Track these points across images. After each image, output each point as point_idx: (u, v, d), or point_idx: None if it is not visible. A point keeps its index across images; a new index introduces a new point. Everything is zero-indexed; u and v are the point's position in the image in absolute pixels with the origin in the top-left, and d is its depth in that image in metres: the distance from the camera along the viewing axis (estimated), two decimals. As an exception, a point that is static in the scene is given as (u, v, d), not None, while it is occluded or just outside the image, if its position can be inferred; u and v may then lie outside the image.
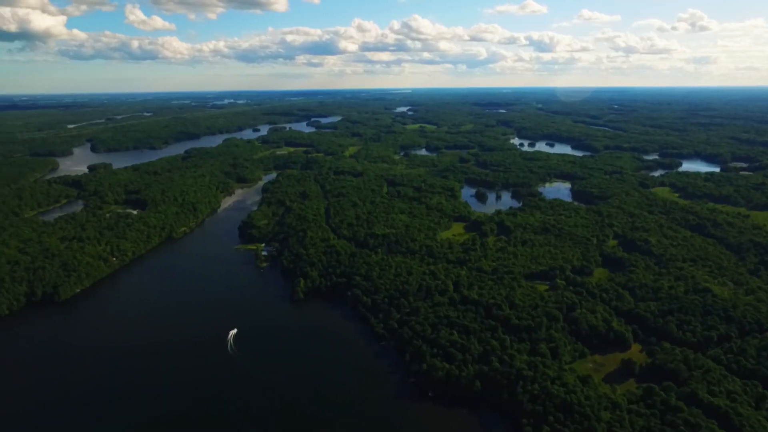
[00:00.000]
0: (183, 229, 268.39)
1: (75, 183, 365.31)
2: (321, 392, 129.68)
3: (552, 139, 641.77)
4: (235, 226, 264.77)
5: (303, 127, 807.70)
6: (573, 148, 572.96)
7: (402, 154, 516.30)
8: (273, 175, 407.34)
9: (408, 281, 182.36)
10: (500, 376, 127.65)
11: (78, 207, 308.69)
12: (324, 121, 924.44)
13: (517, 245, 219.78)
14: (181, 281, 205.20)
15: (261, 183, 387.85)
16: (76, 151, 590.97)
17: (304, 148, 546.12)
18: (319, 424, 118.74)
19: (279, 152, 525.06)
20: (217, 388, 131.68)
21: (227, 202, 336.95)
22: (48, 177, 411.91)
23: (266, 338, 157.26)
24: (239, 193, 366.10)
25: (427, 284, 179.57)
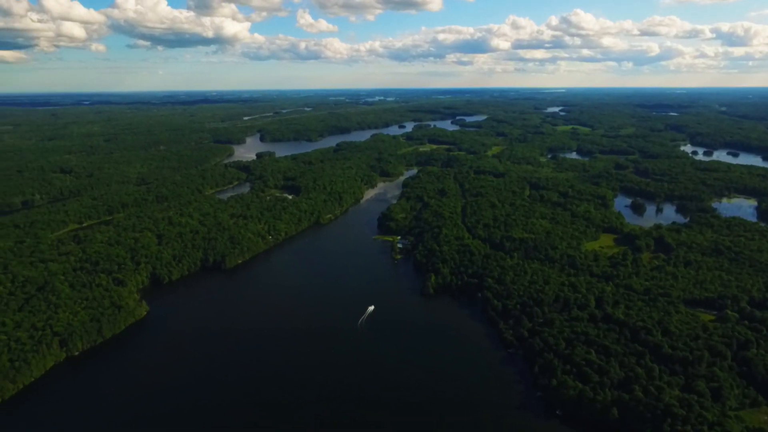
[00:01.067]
0: (329, 216, 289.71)
1: (245, 168, 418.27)
2: (440, 388, 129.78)
3: (736, 147, 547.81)
4: (374, 217, 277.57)
5: (447, 125, 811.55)
6: (765, 159, 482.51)
7: (549, 156, 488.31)
8: (414, 171, 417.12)
9: (544, 290, 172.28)
10: (643, 407, 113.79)
11: (245, 189, 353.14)
12: (469, 119, 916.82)
13: (679, 265, 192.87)
14: (323, 263, 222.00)
15: (402, 178, 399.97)
16: (249, 140, 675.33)
17: (447, 146, 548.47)
18: (435, 421, 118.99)
19: (422, 149, 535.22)
20: (341, 368, 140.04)
21: (369, 194, 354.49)
22: (225, 161, 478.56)
23: (394, 326, 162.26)
24: (381, 186, 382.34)
25: (566, 296, 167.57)
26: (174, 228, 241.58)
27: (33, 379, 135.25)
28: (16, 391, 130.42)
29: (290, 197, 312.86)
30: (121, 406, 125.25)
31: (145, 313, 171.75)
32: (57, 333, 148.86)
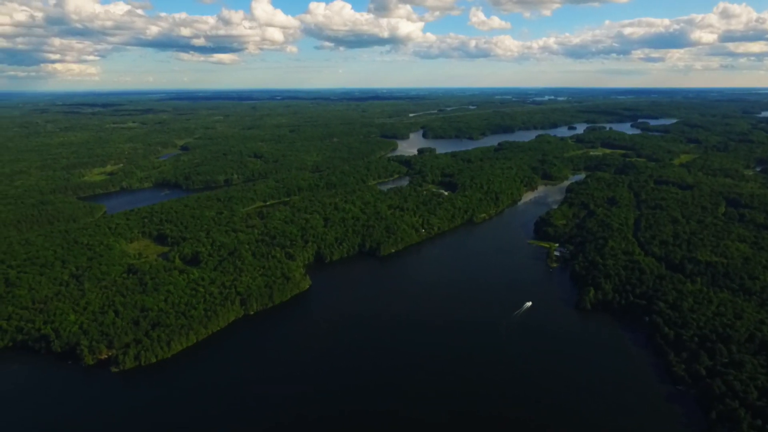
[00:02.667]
0: (483, 215, 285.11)
1: (406, 162, 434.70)
2: (588, 408, 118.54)
3: None
4: (531, 221, 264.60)
5: (626, 128, 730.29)
6: None
7: (758, 169, 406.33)
8: (581, 176, 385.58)
9: (734, 325, 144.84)
10: None
11: (405, 182, 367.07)
12: (653, 122, 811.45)
13: None
14: (473, 261, 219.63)
15: (566, 182, 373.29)
16: (412, 135, 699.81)
17: (623, 151, 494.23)
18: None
19: (593, 153, 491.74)
20: (481, 364, 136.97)
21: (528, 197, 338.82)
22: (389, 155, 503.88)
23: (543, 334, 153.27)
24: (542, 189, 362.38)
25: (764, 337, 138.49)
26: (338, 213, 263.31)
27: (219, 328, 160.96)
28: (206, 335, 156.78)
29: (446, 193, 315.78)
30: (277, 361, 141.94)
31: (308, 286, 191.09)
32: (239, 293, 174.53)
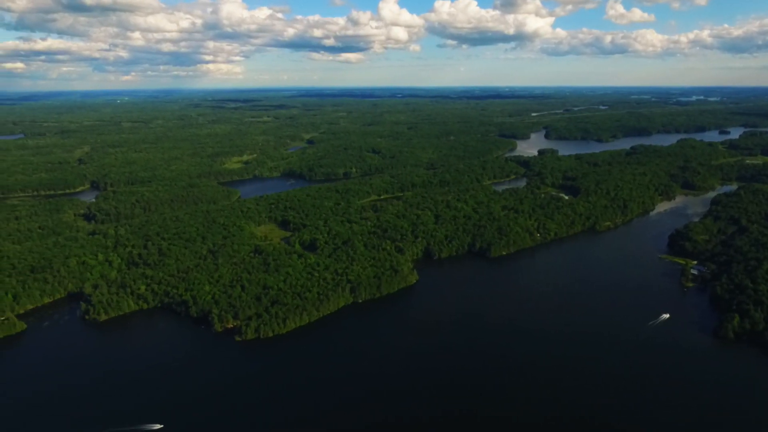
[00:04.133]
0: (607, 223, 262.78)
1: (524, 163, 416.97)
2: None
3: None
4: (665, 234, 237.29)
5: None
6: None
7: None
8: (732, 187, 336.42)
9: None
10: None
11: (521, 183, 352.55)
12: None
13: None
14: (593, 271, 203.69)
15: (712, 193, 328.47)
16: (533, 136, 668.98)
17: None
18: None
19: (749, 161, 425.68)
20: (590, 377, 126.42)
21: (663, 207, 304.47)
22: (506, 155, 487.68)
23: (670, 357, 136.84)
24: (680, 199, 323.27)
25: None
26: (450, 211, 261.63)
27: (329, 312, 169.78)
28: (317, 317, 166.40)
29: (566, 197, 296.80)
30: (378, 350, 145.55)
31: (415, 281, 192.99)
32: (350, 281, 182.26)
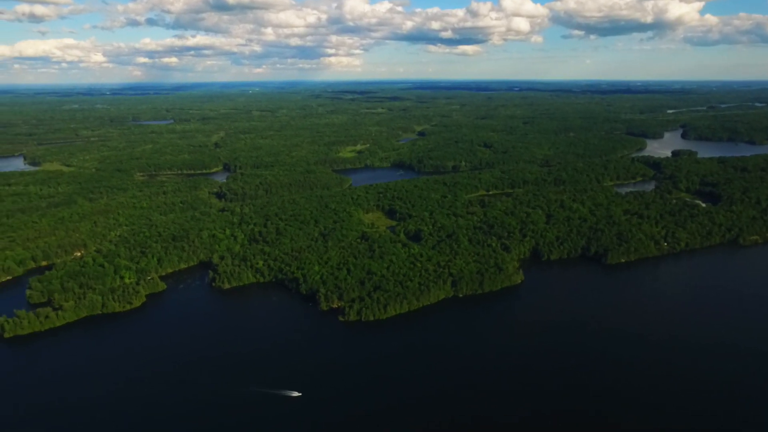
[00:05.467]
0: (754, 237, 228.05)
1: (654, 164, 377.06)
2: None
3: None
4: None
5: None
6: None
7: None
8: None
9: None
10: None
11: (649, 187, 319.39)
12: None
13: None
14: (730, 291, 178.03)
15: None
16: (667, 135, 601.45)
17: None
18: None
19: None
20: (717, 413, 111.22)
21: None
22: (633, 155, 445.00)
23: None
24: None
25: None
26: (563, 211, 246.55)
27: (428, 303, 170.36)
28: (417, 307, 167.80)
29: (703, 205, 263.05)
30: (474, 347, 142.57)
31: (520, 280, 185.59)
32: (452, 274, 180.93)
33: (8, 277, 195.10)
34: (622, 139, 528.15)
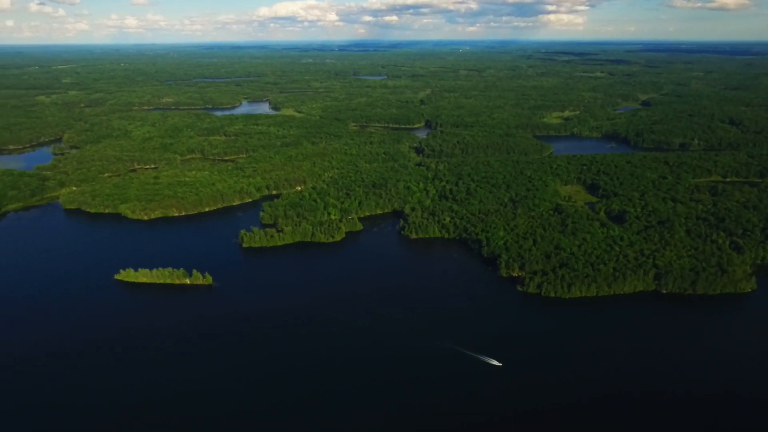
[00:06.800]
0: None
1: None
2: None
3: None
4: None
5: None
6: None
7: None
8: None
9: None
10: None
11: None
12: None
13: None
14: None
15: None
16: None
17: None
18: None
19: None
20: None
21: None
22: None
23: None
24: None
25: None
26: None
27: (621, 292, 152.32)
28: (607, 293, 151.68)
29: None
30: (682, 352, 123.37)
31: (750, 289, 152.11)
32: (656, 266, 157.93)
33: (249, 200, 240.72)
34: None
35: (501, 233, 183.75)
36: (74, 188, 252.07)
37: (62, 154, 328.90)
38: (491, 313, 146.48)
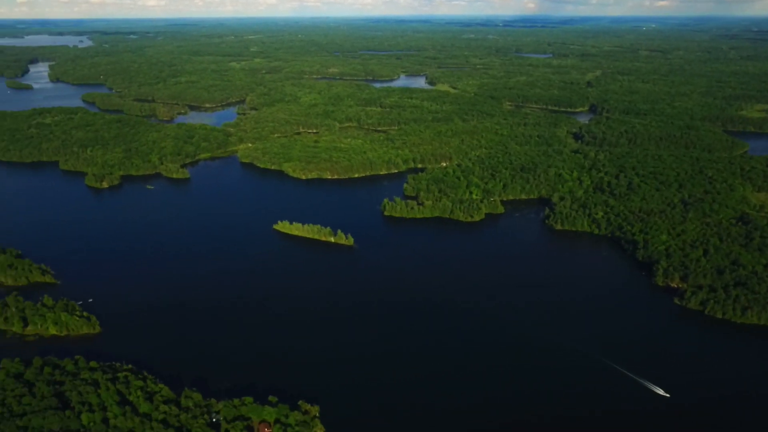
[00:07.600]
0: None
1: None
2: None
3: None
4: None
5: None
6: None
7: None
8: None
9: None
10: None
11: None
12: None
13: None
14: None
15: None
16: None
17: None
18: None
19: None
20: None
21: None
22: None
23: None
24: None
25: None
26: None
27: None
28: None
29: None
30: None
31: None
32: None
33: (395, 171, 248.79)
34: None
35: (663, 237, 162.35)
36: (250, 145, 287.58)
37: (244, 114, 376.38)
38: (641, 324, 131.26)
